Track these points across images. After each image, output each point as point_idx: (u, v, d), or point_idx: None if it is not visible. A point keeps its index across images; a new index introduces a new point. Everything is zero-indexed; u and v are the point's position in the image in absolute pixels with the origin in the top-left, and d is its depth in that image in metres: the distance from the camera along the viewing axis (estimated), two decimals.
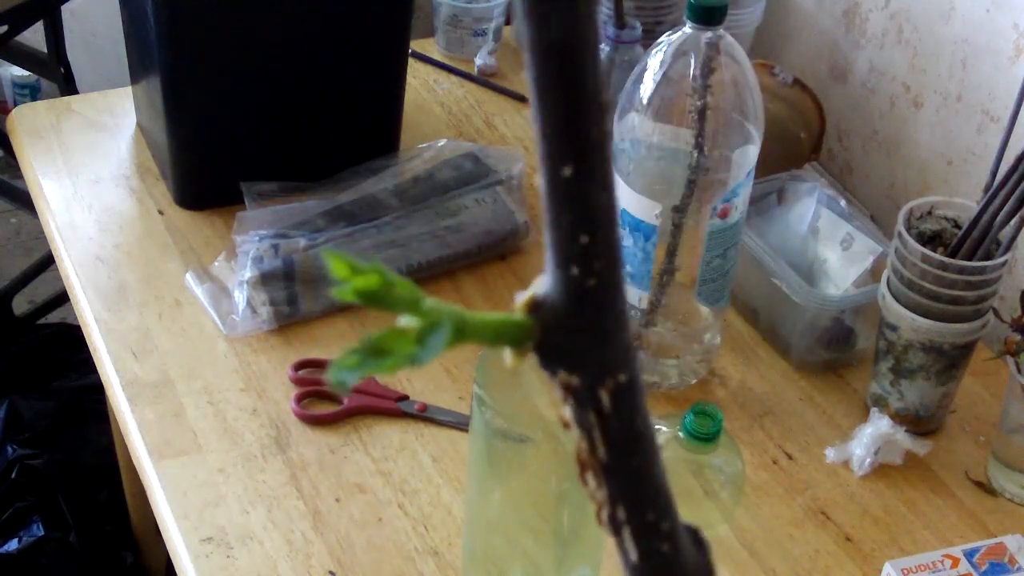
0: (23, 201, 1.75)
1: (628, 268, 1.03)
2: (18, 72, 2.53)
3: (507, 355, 0.29)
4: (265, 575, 0.93)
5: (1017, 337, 0.98)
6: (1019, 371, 0.98)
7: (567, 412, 0.29)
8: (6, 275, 2.07)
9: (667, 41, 0.98)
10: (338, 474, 1.01)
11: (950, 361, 1.03)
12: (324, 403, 1.07)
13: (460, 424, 1.04)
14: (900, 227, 1.01)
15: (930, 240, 1.02)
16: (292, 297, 1.12)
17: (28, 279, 1.94)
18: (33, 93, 2.56)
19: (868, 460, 1.03)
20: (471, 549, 0.89)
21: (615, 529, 0.30)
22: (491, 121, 1.41)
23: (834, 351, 1.13)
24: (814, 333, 1.11)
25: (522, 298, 0.28)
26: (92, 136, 1.34)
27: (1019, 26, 1.14)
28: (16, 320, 1.93)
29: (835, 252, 1.15)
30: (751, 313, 1.17)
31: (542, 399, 0.88)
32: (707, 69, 0.96)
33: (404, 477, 1.01)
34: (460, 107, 1.43)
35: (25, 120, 1.35)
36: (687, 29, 0.97)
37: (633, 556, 0.30)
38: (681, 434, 0.95)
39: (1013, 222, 0.98)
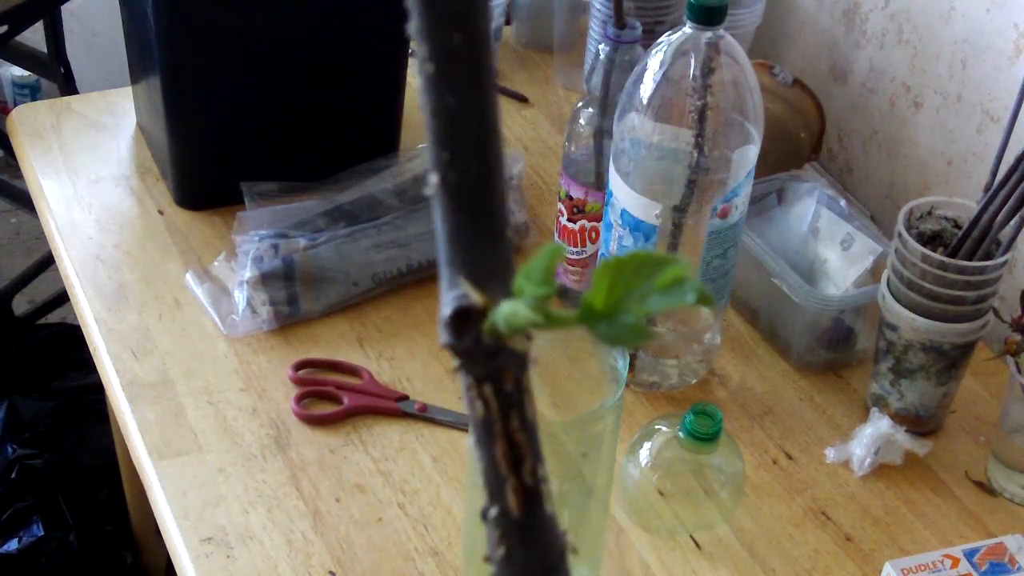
0: (23, 201, 1.75)
1: None
2: (18, 72, 2.53)
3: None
4: (265, 575, 0.93)
5: (1017, 337, 0.98)
6: (1019, 371, 0.98)
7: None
8: (6, 275, 2.08)
9: (667, 41, 0.98)
10: (338, 474, 1.01)
11: (950, 361, 1.03)
12: (324, 403, 1.07)
13: (460, 424, 1.04)
14: (900, 227, 1.01)
15: (930, 240, 1.02)
16: (292, 297, 1.12)
17: (28, 279, 1.94)
18: (33, 93, 2.56)
19: (868, 460, 1.03)
20: (471, 549, 0.89)
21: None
22: None
23: (834, 351, 1.13)
24: (814, 333, 1.11)
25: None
26: (92, 136, 1.34)
27: (1019, 26, 1.14)
28: (16, 320, 1.93)
29: (835, 252, 1.15)
30: (751, 313, 1.17)
31: (542, 399, 0.88)
32: (707, 69, 0.96)
33: (404, 477, 1.01)
34: None
35: (25, 120, 1.35)
36: (687, 29, 0.97)
37: None
38: (681, 434, 0.95)
39: (1013, 222, 0.98)
